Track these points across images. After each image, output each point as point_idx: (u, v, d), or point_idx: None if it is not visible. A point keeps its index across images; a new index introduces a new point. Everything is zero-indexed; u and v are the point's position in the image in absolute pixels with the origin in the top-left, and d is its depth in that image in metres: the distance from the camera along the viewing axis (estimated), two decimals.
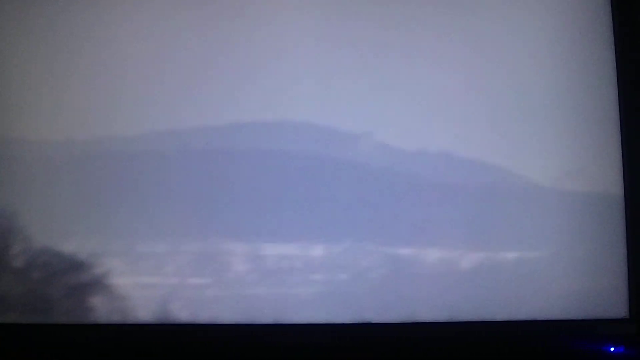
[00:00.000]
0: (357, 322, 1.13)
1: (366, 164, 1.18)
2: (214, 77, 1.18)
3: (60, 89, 1.19)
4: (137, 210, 1.18)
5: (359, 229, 1.16)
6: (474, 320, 1.12)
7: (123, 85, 1.18)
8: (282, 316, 1.15)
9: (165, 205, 1.17)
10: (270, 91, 1.18)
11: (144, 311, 1.14)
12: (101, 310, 1.15)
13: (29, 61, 1.19)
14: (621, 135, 1.12)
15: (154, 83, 1.18)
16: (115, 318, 1.15)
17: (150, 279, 1.17)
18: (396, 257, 1.17)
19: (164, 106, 1.18)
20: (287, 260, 1.17)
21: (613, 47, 1.12)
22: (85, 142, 1.19)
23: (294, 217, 1.17)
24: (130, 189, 1.17)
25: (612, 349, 1.09)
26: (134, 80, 1.18)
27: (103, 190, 1.17)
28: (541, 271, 1.14)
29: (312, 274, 1.16)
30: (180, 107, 1.18)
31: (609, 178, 1.13)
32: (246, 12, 1.18)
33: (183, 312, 1.15)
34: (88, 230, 1.17)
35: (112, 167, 1.18)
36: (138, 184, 1.18)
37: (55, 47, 1.19)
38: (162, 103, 1.18)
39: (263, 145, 1.18)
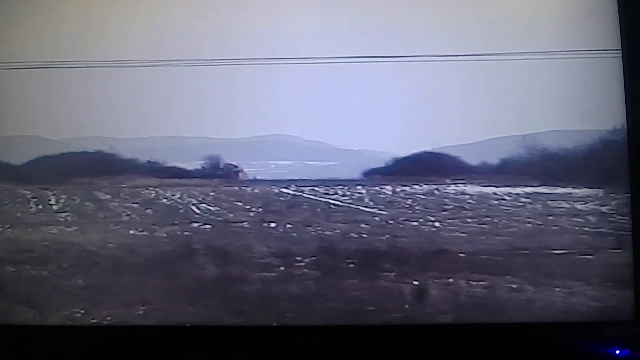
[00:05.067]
0: (355, 324, 1.35)
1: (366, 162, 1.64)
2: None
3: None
4: None
5: None
6: (479, 322, 1.19)
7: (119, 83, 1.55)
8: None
9: None
10: (269, 85, 1.59)
11: None
12: None
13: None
14: (628, 134, 1.17)
15: (149, 86, 1.55)
16: None
17: None
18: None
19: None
20: None
21: (619, 41, 1.17)
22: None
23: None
24: None
25: (617, 351, 1.11)
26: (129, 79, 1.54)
27: None
28: (547, 273, 1.32)
29: None
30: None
31: (616, 178, 1.22)
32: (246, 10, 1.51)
33: None
34: None
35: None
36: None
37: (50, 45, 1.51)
38: (159, 106, 1.58)
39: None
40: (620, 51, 1.25)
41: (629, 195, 1.18)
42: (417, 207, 1.65)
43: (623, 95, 1.23)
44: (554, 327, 1.18)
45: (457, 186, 1.63)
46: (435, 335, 1.21)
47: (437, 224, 1.63)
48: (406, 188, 1.68)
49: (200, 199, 1.71)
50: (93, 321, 1.51)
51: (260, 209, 1.69)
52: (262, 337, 1.30)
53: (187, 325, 1.40)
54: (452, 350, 1.17)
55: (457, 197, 1.63)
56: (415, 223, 1.63)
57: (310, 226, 1.65)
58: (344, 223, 1.64)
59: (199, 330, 1.37)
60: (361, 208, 1.65)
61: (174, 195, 1.72)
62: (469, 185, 1.62)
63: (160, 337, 1.31)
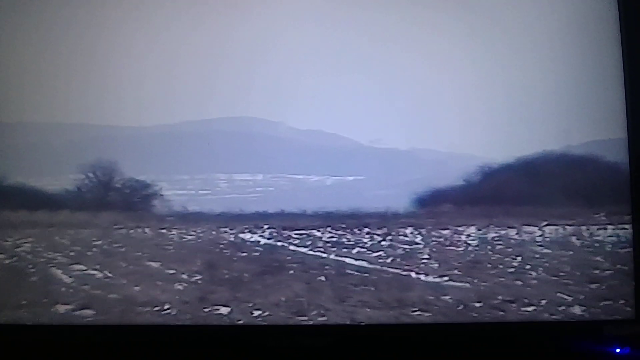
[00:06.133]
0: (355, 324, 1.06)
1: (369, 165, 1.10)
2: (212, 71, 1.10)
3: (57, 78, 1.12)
4: None
5: None
6: (481, 321, 1.07)
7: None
8: None
9: None
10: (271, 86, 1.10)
11: None
12: None
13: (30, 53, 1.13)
14: (628, 135, 1.09)
15: (151, 77, 1.10)
16: None
17: None
18: None
19: (159, 100, 1.11)
20: None
21: (619, 44, 1.12)
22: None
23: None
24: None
25: (618, 350, 1.09)
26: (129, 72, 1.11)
27: None
28: (548, 273, 1.07)
29: None
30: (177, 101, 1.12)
31: (616, 177, 1.09)
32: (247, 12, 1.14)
33: None
34: None
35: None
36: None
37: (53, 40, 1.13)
38: (158, 97, 1.12)
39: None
40: None
41: (629, 193, 1.09)
42: (538, 269, 1.05)
43: None
44: (554, 326, 1.08)
45: (618, 227, 1.06)
46: (435, 336, 1.08)
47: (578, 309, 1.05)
48: (511, 232, 1.08)
49: (72, 254, 1.09)
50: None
51: (199, 277, 1.07)
52: (261, 337, 1.07)
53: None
54: (452, 350, 1.07)
55: (619, 251, 1.06)
56: (529, 308, 1.03)
57: (302, 315, 1.04)
58: (376, 308, 1.04)
59: (199, 330, 1.08)
60: (414, 275, 1.05)
61: (19, 247, 1.11)
62: None
63: (161, 337, 1.08)
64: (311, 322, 1.06)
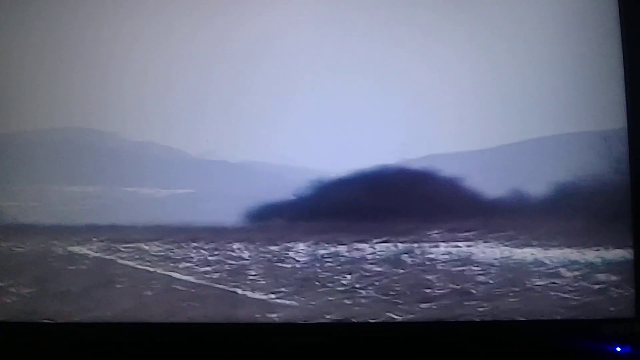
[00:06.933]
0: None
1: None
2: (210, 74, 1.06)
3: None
4: None
5: None
6: (479, 320, 1.07)
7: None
8: None
9: None
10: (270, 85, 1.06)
11: None
12: None
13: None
14: (628, 131, 1.11)
15: (147, 82, 1.06)
16: None
17: None
18: None
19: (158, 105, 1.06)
20: None
21: (620, 41, 1.13)
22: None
23: None
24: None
25: (618, 349, 1.09)
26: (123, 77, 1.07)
27: None
28: (547, 270, 1.08)
29: None
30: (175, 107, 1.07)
31: (616, 175, 1.11)
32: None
33: None
34: None
35: None
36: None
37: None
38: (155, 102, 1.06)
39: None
40: None
41: (629, 189, 1.11)
42: (368, 288, 1.00)
43: None
44: (554, 324, 1.10)
45: (451, 245, 1.04)
46: (434, 334, 1.09)
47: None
48: (342, 249, 1.01)
49: None
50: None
51: (28, 291, 1.01)
52: (261, 336, 1.07)
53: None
54: (453, 349, 1.08)
55: (451, 270, 1.02)
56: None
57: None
58: None
59: (198, 327, 1.07)
60: (241, 292, 0.99)
61: None
62: (478, 243, 1.03)
63: (160, 335, 1.07)
64: (310, 322, 1.03)
